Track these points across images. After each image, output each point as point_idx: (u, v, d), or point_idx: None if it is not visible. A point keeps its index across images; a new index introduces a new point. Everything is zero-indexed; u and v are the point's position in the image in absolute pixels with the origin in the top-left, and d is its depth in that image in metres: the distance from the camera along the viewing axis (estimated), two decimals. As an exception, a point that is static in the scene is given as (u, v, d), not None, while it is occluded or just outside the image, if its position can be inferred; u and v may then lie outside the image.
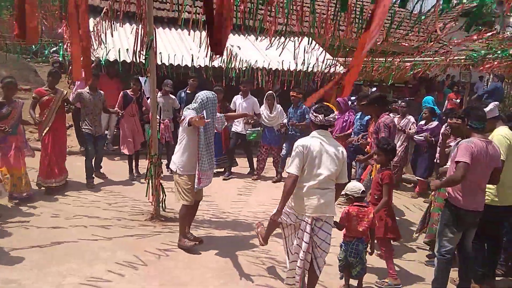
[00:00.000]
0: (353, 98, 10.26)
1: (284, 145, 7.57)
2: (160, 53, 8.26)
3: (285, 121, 7.54)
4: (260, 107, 7.75)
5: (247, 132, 7.66)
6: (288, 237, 3.80)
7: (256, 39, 6.14)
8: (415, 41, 8.14)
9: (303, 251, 3.47)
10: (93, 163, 6.80)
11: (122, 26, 7.89)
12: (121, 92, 7.23)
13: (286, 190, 3.42)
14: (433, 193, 4.71)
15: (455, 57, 7.48)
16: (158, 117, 6.37)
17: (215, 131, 4.63)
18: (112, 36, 6.37)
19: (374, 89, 11.93)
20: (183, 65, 8.47)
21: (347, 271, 3.92)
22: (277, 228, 3.81)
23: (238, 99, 7.87)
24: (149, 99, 6.39)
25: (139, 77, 7.30)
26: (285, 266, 4.29)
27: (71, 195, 6.15)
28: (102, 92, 6.90)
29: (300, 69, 7.70)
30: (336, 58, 7.45)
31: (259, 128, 7.62)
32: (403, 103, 7.52)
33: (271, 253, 4.66)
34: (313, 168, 3.43)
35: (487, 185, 3.84)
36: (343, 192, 3.88)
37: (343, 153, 3.52)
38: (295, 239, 3.62)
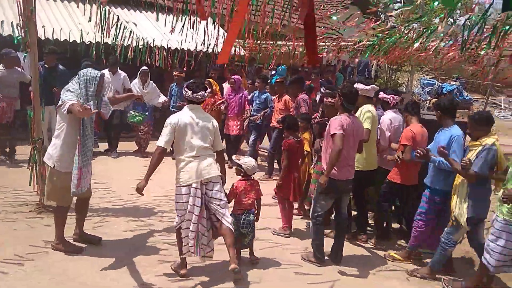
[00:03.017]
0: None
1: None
2: (43, 26, 7.44)
3: (163, 98, 7.80)
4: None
5: (130, 113, 7.49)
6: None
7: (157, 19, 5.82)
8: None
9: (195, 215, 3.62)
10: None
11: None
12: None
13: (153, 161, 3.70)
14: (312, 166, 5.16)
15: (344, 43, 8.00)
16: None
17: (101, 117, 4.26)
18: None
19: (273, 72, 12.24)
20: (70, 41, 7.73)
21: (239, 242, 4.02)
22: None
23: (105, 74, 7.53)
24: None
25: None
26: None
27: None
28: None
29: (201, 50, 7.57)
30: (238, 40, 7.46)
31: (146, 114, 7.59)
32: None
33: (172, 237, 4.55)
34: (186, 141, 3.68)
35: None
36: (237, 162, 4.17)
37: (213, 123, 3.84)
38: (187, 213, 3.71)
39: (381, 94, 5.05)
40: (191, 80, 3.92)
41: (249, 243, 4.11)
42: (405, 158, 4.42)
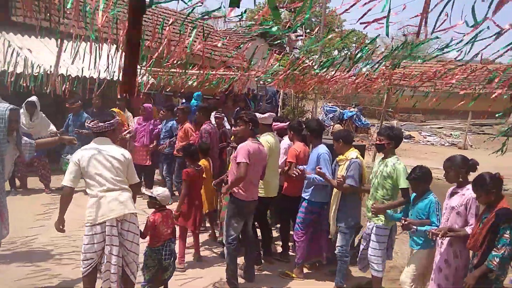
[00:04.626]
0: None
1: (67, 154, 7.27)
2: None
3: (52, 128, 7.13)
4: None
5: (65, 159, 6.90)
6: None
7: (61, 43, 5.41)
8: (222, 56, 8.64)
9: (116, 256, 3.34)
10: None
11: None
12: None
13: (62, 203, 3.47)
14: (222, 195, 5.16)
15: (254, 73, 8.24)
16: None
17: (21, 160, 3.84)
18: None
19: (184, 100, 12.14)
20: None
21: (158, 280, 3.83)
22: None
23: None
24: None
25: None
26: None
27: None
28: None
29: (105, 77, 7.23)
30: (144, 67, 7.26)
31: None
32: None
33: (74, 282, 4.14)
34: (95, 175, 3.43)
35: None
36: (150, 194, 3.91)
37: (124, 155, 3.58)
38: (104, 254, 3.41)
39: (278, 125, 5.58)
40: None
41: (170, 277, 3.89)
42: (290, 174, 4.82)
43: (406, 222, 3.67)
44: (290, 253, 5.25)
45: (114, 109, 7.34)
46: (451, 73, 5.65)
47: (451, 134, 17.91)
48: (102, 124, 3.55)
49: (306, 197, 4.68)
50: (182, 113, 6.89)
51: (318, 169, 4.37)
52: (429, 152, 13.77)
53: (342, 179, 4.24)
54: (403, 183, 3.91)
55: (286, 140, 5.47)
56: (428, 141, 16.83)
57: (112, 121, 3.62)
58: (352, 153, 4.39)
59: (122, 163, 3.54)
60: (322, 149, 4.70)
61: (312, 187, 4.64)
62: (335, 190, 4.43)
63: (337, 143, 4.47)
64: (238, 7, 1.67)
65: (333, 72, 6.68)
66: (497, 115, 5.19)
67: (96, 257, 3.38)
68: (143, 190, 4.24)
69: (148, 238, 3.84)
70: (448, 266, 3.47)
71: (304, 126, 5.20)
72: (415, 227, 3.65)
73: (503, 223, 3.04)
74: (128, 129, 7.42)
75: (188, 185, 4.78)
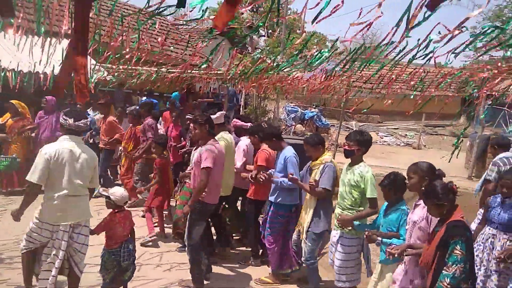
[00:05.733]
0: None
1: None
2: None
3: None
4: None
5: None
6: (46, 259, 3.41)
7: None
8: (180, 54, 8.52)
9: (60, 259, 3.31)
10: None
11: None
12: None
13: (27, 199, 3.35)
14: (178, 192, 5.45)
15: (216, 72, 8.19)
16: None
17: None
18: None
19: (144, 98, 11.89)
20: None
21: (118, 281, 3.76)
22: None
23: None
24: None
25: None
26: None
27: None
28: None
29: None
30: (99, 64, 7.03)
31: (14, 156, 6.64)
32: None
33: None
34: (64, 176, 3.31)
35: None
36: (106, 194, 3.80)
37: (94, 159, 3.53)
38: (51, 253, 3.37)
39: (238, 122, 5.60)
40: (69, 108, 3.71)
41: (130, 277, 3.83)
42: (258, 178, 4.64)
43: (369, 233, 3.38)
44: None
45: (14, 101, 7.08)
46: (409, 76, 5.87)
47: (406, 135, 18.62)
48: (88, 122, 3.56)
49: (273, 200, 4.53)
50: (104, 107, 7.23)
51: (291, 175, 4.16)
52: (386, 152, 14.22)
53: (314, 183, 4.01)
54: (371, 193, 3.67)
55: (244, 141, 5.32)
56: (385, 141, 17.40)
57: (89, 119, 3.63)
58: (326, 156, 4.19)
59: (91, 167, 3.49)
60: (288, 152, 4.52)
61: (277, 190, 4.49)
62: (308, 194, 4.21)
63: (316, 149, 4.19)
64: (184, 7, 1.74)
65: (294, 73, 6.78)
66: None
67: (38, 244, 3.40)
68: (101, 190, 4.10)
69: (104, 240, 3.75)
70: (414, 287, 3.09)
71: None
72: (379, 238, 3.33)
73: (452, 237, 2.66)
74: (33, 124, 7.32)
75: (160, 172, 5.58)
